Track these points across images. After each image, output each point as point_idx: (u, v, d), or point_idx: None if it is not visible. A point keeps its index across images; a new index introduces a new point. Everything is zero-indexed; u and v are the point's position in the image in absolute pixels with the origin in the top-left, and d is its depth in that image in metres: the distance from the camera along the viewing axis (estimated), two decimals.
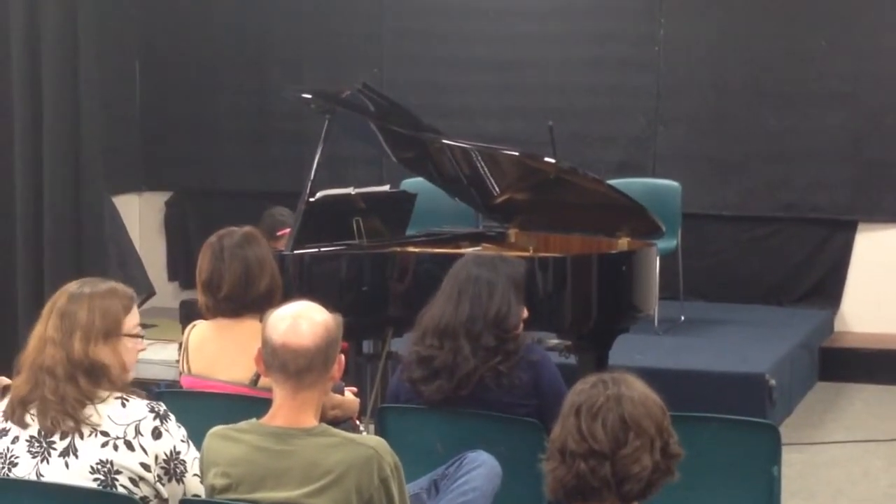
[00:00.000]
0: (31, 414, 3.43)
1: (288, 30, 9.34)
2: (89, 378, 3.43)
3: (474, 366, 4.26)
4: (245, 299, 4.37)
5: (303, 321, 3.32)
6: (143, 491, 3.40)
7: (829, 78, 8.43)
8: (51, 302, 3.52)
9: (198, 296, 4.49)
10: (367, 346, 6.26)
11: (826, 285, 8.64)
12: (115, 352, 3.52)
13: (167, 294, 9.32)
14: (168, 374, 6.25)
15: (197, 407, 4.17)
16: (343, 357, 3.43)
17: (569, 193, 6.16)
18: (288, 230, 6.63)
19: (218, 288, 4.39)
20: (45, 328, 3.47)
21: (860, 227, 8.56)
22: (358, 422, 4.69)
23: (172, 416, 3.48)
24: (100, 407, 3.41)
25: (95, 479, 3.38)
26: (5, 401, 3.53)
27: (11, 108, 7.61)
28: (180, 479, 3.45)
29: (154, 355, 7.14)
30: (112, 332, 3.51)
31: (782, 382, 7.06)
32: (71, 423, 3.38)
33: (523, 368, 4.31)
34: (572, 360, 5.83)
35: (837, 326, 8.60)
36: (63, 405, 3.39)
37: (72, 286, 3.54)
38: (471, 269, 4.43)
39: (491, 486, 4.08)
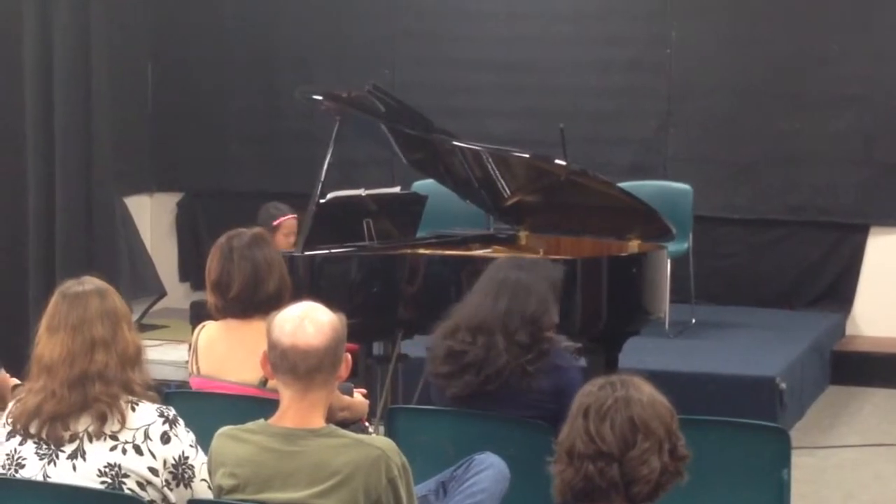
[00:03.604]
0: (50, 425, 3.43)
1: (299, 31, 9.34)
2: (136, 368, 3.46)
3: (505, 361, 4.27)
4: (254, 300, 4.38)
5: (309, 322, 3.32)
6: (150, 495, 3.40)
7: (841, 81, 8.40)
8: (61, 314, 3.46)
9: (207, 296, 4.50)
10: (377, 348, 6.25)
11: (838, 289, 8.62)
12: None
13: (178, 295, 9.33)
14: (178, 375, 6.26)
15: (206, 408, 4.17)
16: (349, 356, 3.43)
17: (579, 196, 6.15)
18: (283, 219, 6.70)
19: (227, 288, 4.40)
20: (86, 334, 3.42)
21: (872, 230, 8.54)
22: (367, 423, 4.69)
23: (181, 421, 3.48)
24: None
25: (103, 483, 3.38)
26: (11, 403, 3.53)
27: (24, 110, 7.64)
28: (188, 484, 3.45)
29: (164, 356, 7.17)
30: None
31: (793, 386, 7.04)
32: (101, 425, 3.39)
33: (547, 372, 4.32)
34: (582, 362, 5.82)
35: (849, 330, 8.58)
36: (114, 404, 3.39)
37: (71, 287, 3.51)
38: (510, 270, 4.45)
39: (499, 488, 4.08)
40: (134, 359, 3.47)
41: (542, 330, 4.36)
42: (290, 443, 3.30)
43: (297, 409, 3.32)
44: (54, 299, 3.51)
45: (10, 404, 3.54)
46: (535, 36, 8.91)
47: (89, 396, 3.38)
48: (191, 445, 3.46)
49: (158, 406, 3.47)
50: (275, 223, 6.72)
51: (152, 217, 9.71)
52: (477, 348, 4.31)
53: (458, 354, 4.33)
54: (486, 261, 5.96)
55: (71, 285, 3.53)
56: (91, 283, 3.54)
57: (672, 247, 6.59)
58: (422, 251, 6.08)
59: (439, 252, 6.12)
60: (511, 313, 4.33)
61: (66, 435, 3.40)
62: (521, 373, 4.30)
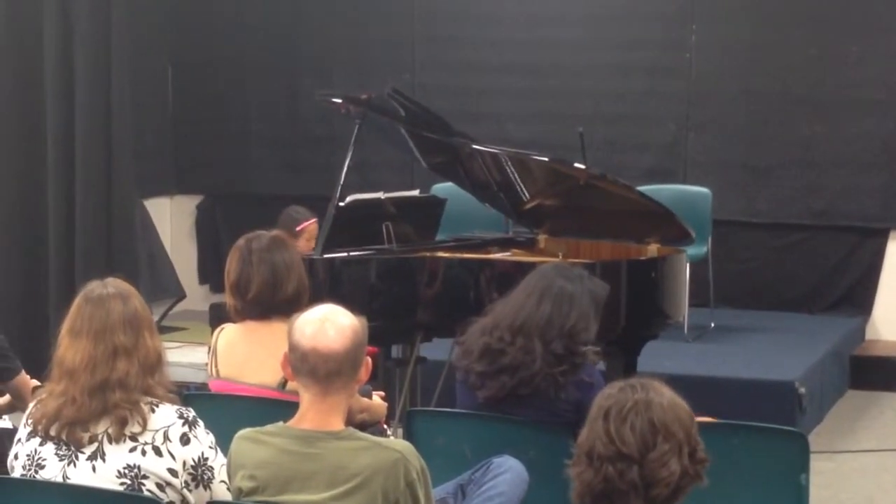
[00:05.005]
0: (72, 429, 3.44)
1: (319, 35, 9.36)
2: (157, 374, 3.47)
3: (539, 368, 4.26)
4: (272, 302, 4.38)
5: (330, 325, 3.32)
6: (170, 496, 3.41)
7: (862, 85, 8.38)
8: (84, 317, 3.46)
9: (226, 298, 4.51)
10: (396, 351, 6.26)
11: (857, 293, 8.60)
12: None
13: (197, 297, 9.35)
14: (197, 377, 6.28)
15: (225, 410, 4.18)
16: (370, 360, 3.43)
17: (598, 199, 6.15)
18: (306, 224, 6.72)
19: (245, 290, 4.41)
20: (108, 342, 3.42)
21: (892, 234, 8.52)
22: (386, 426, 4.70)
23: (201, 423, 3.48)
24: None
25: (122, 484, 3.39)
26: (32, 404, 3.55)
27: (45, 112, 7.67)
28: (207, 486, 3.46)
29: (183, 358, 7.19)
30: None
31: (812, 390, 7.03)
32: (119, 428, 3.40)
33: (576, 386, 4.30)
34: (601, 366, 5.81)
35: (868, 334, 8.56)
36: (134, 409, 3.40)
37: (94, 289, 3.51)
38: (556, 278, 4.43)
39: (517, 492, 4.08)
40: (155, 365, 3.48)
41: (577, 344, 4.35)
42: (309, 445, 3.30)
43: (317, 412, 3.33)
44: (77, 302, 3.52)
45: (31, 405, 3.56)
46: (555, 39, 8.91)
47: (109, 403, 3.39)
48: (210, 447, 3.47)
49: (178, 407, 3.48)
50: (298, 228, 6.73)
51: (172, 219, 9.74)
52: (515, 350, 4.29)
53: (496, 353, 4.31)
54: (505, 264, 6.00)
55: (94, 288, 3.53)
56: (114, 285, 3.54)
57: (691, 251, 6.59)
58: (441, 254, 6.08)
59: (458, 255, 6.12)
60: (551, 322, 4.32)
61: (86, 437, 3.41)
62: (552, 382, 4.29)
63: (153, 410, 3.43)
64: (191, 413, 3.48)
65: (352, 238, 6.00)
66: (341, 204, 5.94)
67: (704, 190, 8.03)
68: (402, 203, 6.26)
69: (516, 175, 6.27)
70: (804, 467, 3.97)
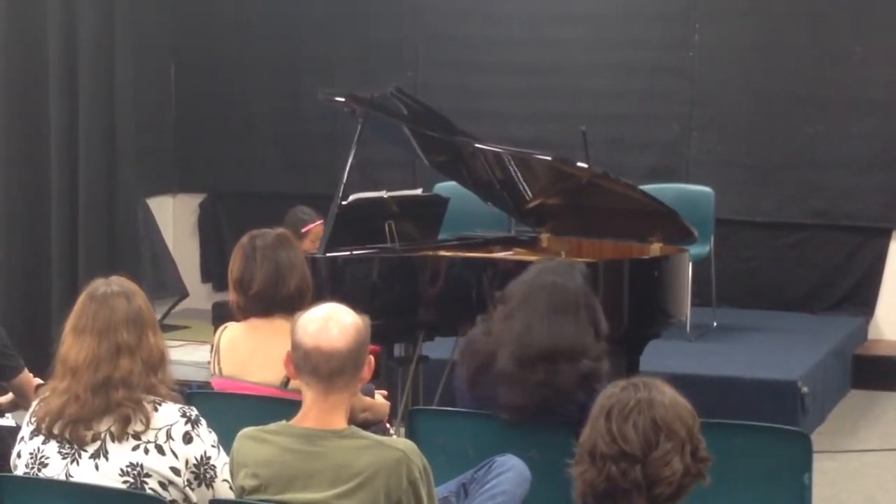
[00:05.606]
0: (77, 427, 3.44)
1: (322, 34, 9.36)
2: (160, 372, 3.48)
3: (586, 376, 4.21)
4: (275, 299, 4.39)
5: (333, 324, 3.33)
6: (172, 495, 3.42)
7: (864, 84, 8.38)
8: (88, 315, 3.47)
9: (229, 295, 4.52)
10: (399, 350, 6.26)
11: (859, 292, 8.60)
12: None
13: (200, 296, 9.35)
14: (200, 376, 6.28)
15: (228, 408, 4.18)
16: (372, 359, 3.43)
17: (601, 198, 6.15)
18: (312, 226, 6.71)
19: (248, 287, 4.42)
20: (111, 340, 3.43)
21: (895, 234, 8.51)
22: (388, 425, 4.70)
23: (204, 421, 3.49)
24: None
25: (125, 482, 3.39)
26: (35, 402, 3.55)
27: (48, 111, 7.67)
28: (210, 485, 3.46)
29: (186, 356, 7.19)
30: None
31: (815, 390, 7.02)
32: (121, 426, 3.40)
33: (582, 388, 4.27)
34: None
35: (871, 334, 8.56)
36: (137, 408, 3.41)
37: (99, 287, 3.52)
38: (562, 281, 4.31)
39: (519, 491, 4.07)
40: (158, 364, 3.49)
41: (602, 338, 4.31)
42: (311, 444, 3.31)
43: (320, 410, 3.33)
44: (81, 299, 3.52)
45: (34, 403, 3.56)
46: (558, 39, 8.90)
47: (112, 401, 3.40)
48: (213, 446, 3.47)
49: (181, 406, 3.48)
50: (304, 230, 6.72)
51: (175, 218, 9.74)
52: (563, 376, 4.17)
53: (538, 385, 4.17)
54: (507, 263, 6.00)
55: (98, 286, 3.54)
56: (118, 284, 3.55)
57: (693, 250, 6.59)
58: (443, 253, 6.08)
59: (461, 254, 6.13)
60: (588, 333, 4.25)
61: (89, 435, 3.42)
62: (586, 386, 4.23)
63: (156, 409, 3.44)
64: (193, 412, 3.48)
65: (354, 237, 6.00)
66: (344, 203, 5.95)
67: (707, 189, 8.02)
68: (404, 202, 6.26)
69: (519, 174, 6.28)
70: (807, 467, 3.97)
